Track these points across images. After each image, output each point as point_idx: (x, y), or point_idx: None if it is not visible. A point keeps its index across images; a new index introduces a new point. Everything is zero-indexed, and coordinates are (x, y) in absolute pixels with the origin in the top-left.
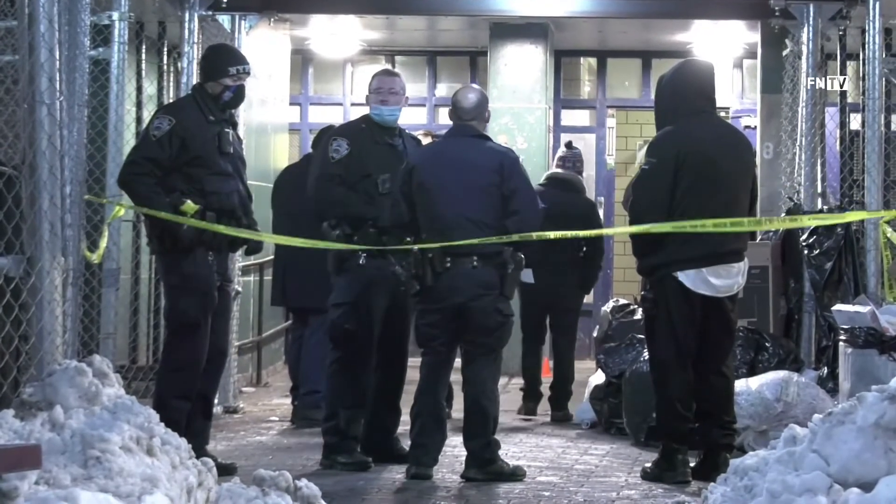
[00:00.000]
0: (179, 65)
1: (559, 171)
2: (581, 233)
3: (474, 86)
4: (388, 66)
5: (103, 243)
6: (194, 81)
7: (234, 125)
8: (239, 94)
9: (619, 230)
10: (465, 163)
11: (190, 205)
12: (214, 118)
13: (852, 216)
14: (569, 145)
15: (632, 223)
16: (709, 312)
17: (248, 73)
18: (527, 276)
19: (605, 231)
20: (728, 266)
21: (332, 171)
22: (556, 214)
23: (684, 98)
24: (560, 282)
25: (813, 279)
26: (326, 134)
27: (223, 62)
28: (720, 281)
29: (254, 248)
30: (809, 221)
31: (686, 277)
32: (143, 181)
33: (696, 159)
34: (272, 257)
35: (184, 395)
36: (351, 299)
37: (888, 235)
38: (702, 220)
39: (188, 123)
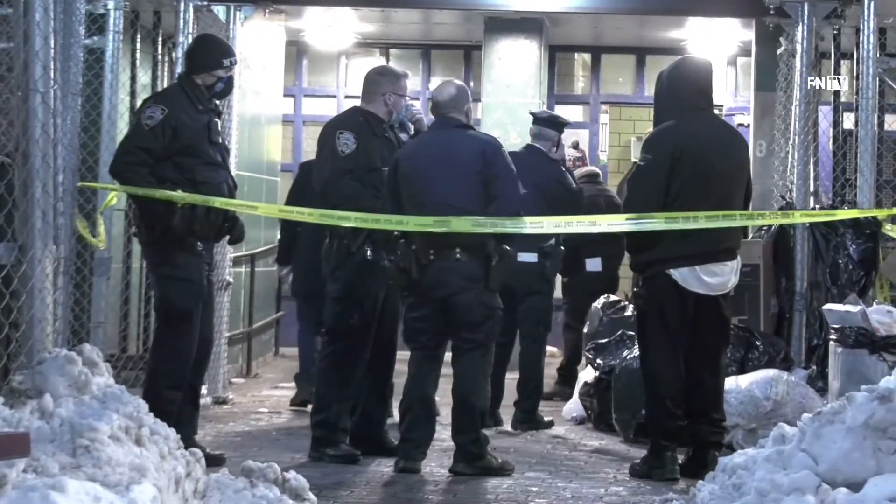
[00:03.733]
0: (174, 55)
1: (584, 167)
2: (574, 219)
3: (454, 80)
4: (384, 60)
5: (102, 230)
6: None
7: (219, 115)
8: (229, 85)
9: (612, 219)
10: (447, 152)
11: (180, 194)
12: (203, 108)
13: (844, 214)
14: (576, 146)
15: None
16: (701, 310)
17: (236, 64)
18: (594, 264)
19: (598, 225)
20: (721, 264)
21: (343, 166)
22: (608, 204)
23: (681, 95)
24: (615, 268)
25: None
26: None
27: (217, 54)
28: (713, 279)
29: (237, 237)
30: (802, 218)
31: (679, 275)
32: (137, 170)
33: (691, 157)
34: (264, 248)
35: (175, 385)
36: (355, 293)
37: (888, 232)
38: (694, 213)
39: (179, 113)
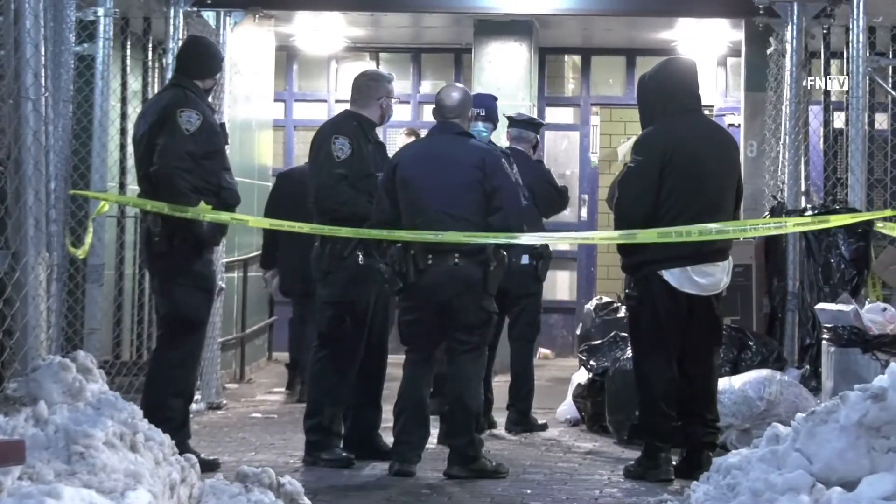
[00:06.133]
0: (164, 61)
1: None
2: (568, 236)
3: (458, 84)
4: (374, 64)
5: (88, 239)
6: None
7: None
8: (215, 86)
9: (605, 235)
10: (447, 159)
11: (204, 206)
12: (211, 110)
13: (837, 220)
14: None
15: (616, 221)
16: (693, 311)
17: None
18: None
19: (593, 238)
20: (712, 264)
21: (339, 171)
22: None
23: (672, 96)
24: None
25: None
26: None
27: (219, 58)
28: (705, 279)
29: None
30: (794, 228)
31: (671, 276)
32: (184, 177)
33: (682, 157)
34: (256, 253)
35: (179, 392)
36: (347, 297)
37: (880, 230)
38: (687, 228)
39: (207, 118)
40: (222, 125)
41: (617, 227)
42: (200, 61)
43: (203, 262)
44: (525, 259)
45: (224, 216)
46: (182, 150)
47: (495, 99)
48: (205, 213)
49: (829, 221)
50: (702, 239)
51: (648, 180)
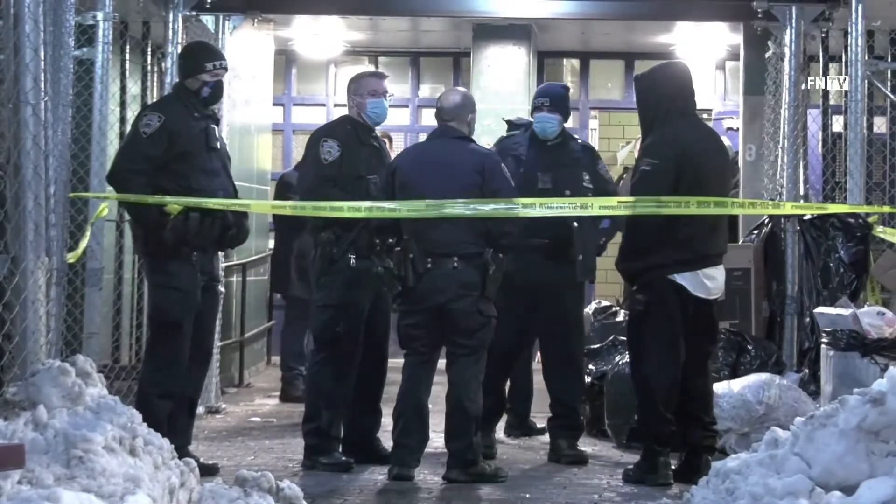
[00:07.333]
0: (163, 65)
1: None
2: (566, 201)
3: (460, 88)
4: (372, 67)
5: (83, 243)
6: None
7: (217, 122)
8: (217, 90)
9: (604, 202)
10: (446, 163)
11: (174, 206)
12: (199, 114)
13: (835, 208)
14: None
15: (629, 224)
16: (697, 314)
17: (225, 69)
18: None
19: (590, 207)
20: (715, 268)
21: (326, 173)
22: None
23: (674, 99)
24: None
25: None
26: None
27: (200, 58)
28: (712, 283)
29: (240, 240)
30: (792, 209)
31: (684, 280)
32: (136, 179)
33: (691, 161)
34: (255, 257)
35: (166, 393)
36: (340, 301)
37: (880, 234)
38: (685, 198)
39: (176, 119)
40: (206, 129)
41: (627, 229)
42: (181, 63)
43: (178, 262)
44: (606, 223)
45: (226, 201)
46: (137, 153)
47: (567, 89)
48: (208, 202)
49: (826, 208)
50: (699, 212)
51: (664, 183)
